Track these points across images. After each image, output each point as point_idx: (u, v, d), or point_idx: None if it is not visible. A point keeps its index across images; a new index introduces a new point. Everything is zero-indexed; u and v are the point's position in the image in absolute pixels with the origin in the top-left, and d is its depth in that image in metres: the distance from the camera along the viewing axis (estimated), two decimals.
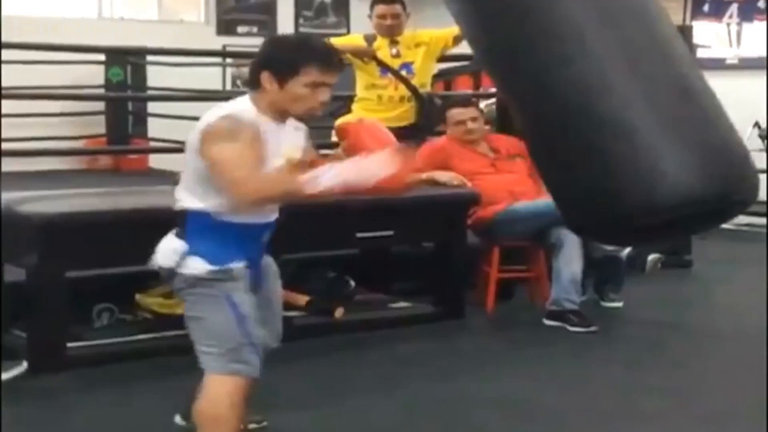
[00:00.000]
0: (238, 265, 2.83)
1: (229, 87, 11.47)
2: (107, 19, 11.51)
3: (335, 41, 6.34)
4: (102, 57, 10.53)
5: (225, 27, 11.80)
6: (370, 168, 2.64)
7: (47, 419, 3.71)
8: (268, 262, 3.06)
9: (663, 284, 5.29)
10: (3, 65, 8.81)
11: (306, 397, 3.99)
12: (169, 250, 2.85)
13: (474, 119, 5.65)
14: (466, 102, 6.00)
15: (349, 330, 4.92)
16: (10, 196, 4.48)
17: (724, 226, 8.39)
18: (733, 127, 2.97)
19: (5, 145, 8.44)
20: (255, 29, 11.93)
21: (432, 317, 5.20)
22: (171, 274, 2.85)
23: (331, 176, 2.62)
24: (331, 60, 2.80)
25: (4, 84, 8.49)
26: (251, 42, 11.35)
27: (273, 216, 2.95)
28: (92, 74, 10.46)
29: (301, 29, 11.85)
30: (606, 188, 2.74)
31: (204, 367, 2.85)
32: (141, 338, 4.50)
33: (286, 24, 11.89)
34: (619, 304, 5.66)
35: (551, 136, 2.86)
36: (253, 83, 2.82)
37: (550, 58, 2.85)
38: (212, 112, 2.77)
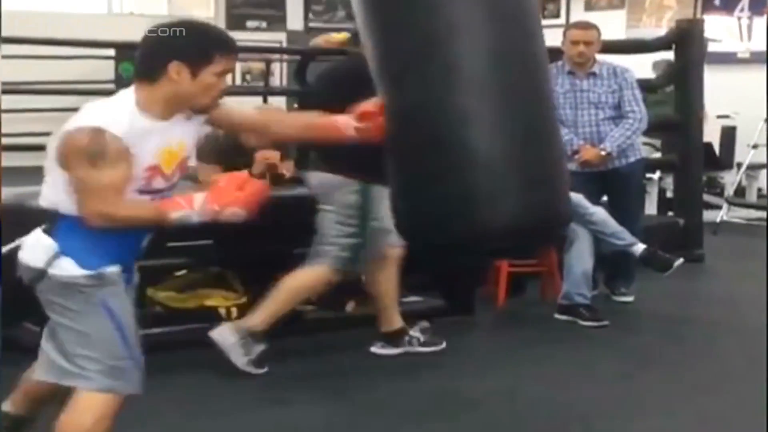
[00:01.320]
0: (113, 269, 2.60)
1: (238, 81, 11.47)
2: (117, 15, 11.54)
3: (344, 36, 6.34)
4: (112, 52, 10.54)
5: (234, 22, 11.79)
6: (227, 201, 2.58)
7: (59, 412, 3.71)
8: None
9: (674, 279, 5.27)
10: (14, 60, 8.85)
11: (316, 391, 4.00)
12: (38, 248, 2.58)
13: None
14: None
15: (360, 324, 4.92)
16: (21, 190, 4.49)
17: (736, 220, 8.48)
18: (564, 166, 3.15)
19: (18, 140, 8.48)
20: (264, 24, 11.93)
21: (443, 311, 5.20)
22: (38, 275, 2.57)
23: (189, 211, 2.56)
24: (235, 47, 2.68)
25: (15, 79, 8.54)
26: (261, 37, 11.36)
27: None
28: (103, 69, 10.47)
29: (311, 24, 11.84)
30: (449, 207, 2.88)
31: (77, 381, 2.59)
32: (153, 332, 4.50)
33: (295, 19, 11.89)
34: (630, 299, 5.66)
35: (407, 149, 2.97)
36: (152, 75, 2.55)
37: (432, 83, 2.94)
38: (80, 118, 2.52)
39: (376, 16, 2.96)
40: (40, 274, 2.57)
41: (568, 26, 5.94)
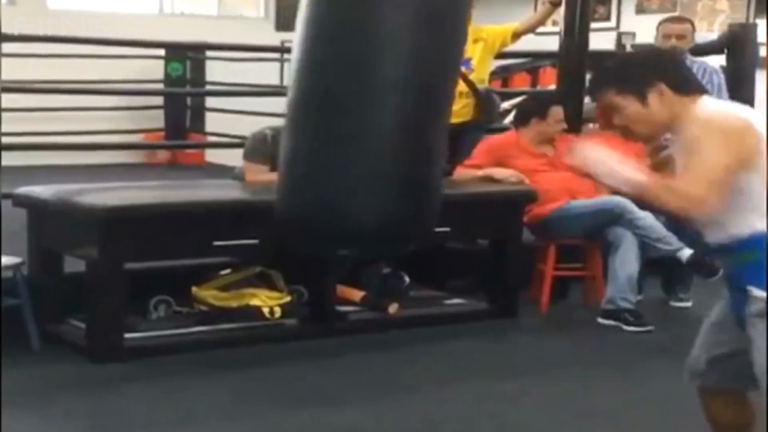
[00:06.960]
0: None
1: (286, 82, 11.53)
2: (168, 15, 11.64)
3: None
4: (162, 52, 10.63)
5: (284, 22, 11.81)
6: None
7: (103, 408, 3.75)
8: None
9: None
10: (66, 59, 8.98)
11: (358, 392, 4.00)
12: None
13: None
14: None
15: (403, 326, 4.92)
16: (70, 187, 4.55)
17: None
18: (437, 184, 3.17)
19: (68, 138, 8.60)
20: None
21: (486, 315, 5.18)
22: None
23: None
24: None
25: (68, 77, 8.66)
26: None
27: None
28: (152, 69, 10.57)
29: None
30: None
31: None
32: (196, 330, 4.54)
33: None
34: (689, 304, 5.58)
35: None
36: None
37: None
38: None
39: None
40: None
41: (661, 20, 5.79)
